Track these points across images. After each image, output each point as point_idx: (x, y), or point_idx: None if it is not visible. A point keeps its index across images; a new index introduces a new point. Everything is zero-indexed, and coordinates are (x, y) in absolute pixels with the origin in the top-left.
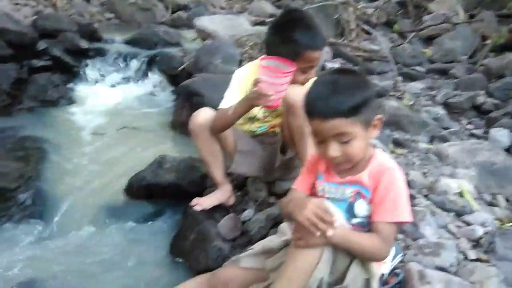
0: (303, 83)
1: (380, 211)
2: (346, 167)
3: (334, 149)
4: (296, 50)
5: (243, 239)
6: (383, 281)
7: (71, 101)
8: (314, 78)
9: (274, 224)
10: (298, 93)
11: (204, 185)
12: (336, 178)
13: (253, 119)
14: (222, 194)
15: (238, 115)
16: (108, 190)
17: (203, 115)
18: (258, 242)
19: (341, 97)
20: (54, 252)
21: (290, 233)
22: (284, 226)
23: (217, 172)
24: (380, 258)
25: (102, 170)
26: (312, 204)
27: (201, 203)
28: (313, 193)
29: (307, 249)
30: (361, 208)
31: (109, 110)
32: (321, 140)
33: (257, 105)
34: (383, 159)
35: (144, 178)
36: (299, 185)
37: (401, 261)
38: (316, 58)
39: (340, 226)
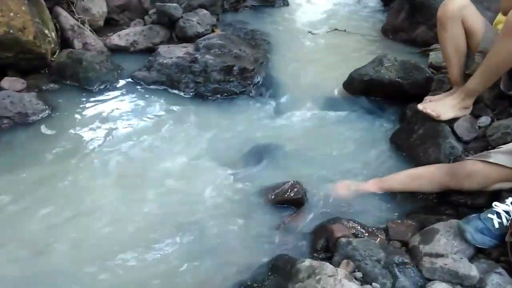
0: None
1: None
2: None
3: None
4: None
5: (479, 143)
6: None
7: (285, 3)
8: None
9: None
10: None
11: (428, 88)
12: None
13: None
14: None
15: None
16: (326, 82)
17: (456, 2)
18: None
19: None
20: (281, 125)
21: None
22: None
23: (455, 70)
24: None
25: (319, 64)
26: None
27: (433, 100)
28: None
29: None
30: None
31: (319, 13)
32: None
33: None
34: None
35: (366, 73)
36: None
37: None
38: None
39: None
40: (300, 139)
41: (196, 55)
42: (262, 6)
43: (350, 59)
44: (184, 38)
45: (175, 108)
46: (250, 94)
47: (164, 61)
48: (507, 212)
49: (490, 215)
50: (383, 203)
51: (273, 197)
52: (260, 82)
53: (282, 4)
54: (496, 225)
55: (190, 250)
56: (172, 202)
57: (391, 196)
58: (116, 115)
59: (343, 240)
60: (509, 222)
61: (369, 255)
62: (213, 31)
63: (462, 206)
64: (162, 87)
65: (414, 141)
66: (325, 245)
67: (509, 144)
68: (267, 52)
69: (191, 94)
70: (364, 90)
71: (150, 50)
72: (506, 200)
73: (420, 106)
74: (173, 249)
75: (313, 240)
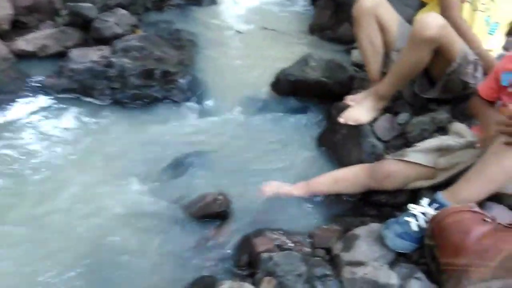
0: None
1: None
2: None
3: None
4: None
5: (399, 141)
6: None
7: (213, 1)
8: None
9: (438, 128)
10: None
11: (351, 86)
12: None
13: None
14: None
15: None
16: (254, 83)
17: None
18: (430, 140)
19: None
20: (206, 131)
21: (471, 134)
22: (461, 127)
23: (373, 67)
24: None
25: (247, 65)
26: None
27: (354, 100)
28: (509, 93)
29: None
30: None
31: (247, 12)
32: None
33: None
34: None
35: (292, 74)
36: (483, 89)
37: None
38: None
39: None
40: (227, 145)
41: (112, 59)
42: (189, 5)
43: (279, 59)
44: (101, 41)
45: (88, 117)
46: (174, 99)
47: (76, 67)
48: (423, 214)
49: (407, 218)
50: (310, 207)
51: (194, 211)
52: (185, 86)
53: (210, 3)
54: (415, 228)
55: (98, 276)
56: (77, 222)
57: (318, 200)
58: (19, 129)
59: (265, 255)
60: (427, 224)
61: (290, 270)
62: (133, 32)
63: (384, 206)
64: (74, 95)
65: (338, 141)
66: (249, 261)
67: (426, 141)
68: (193, 53)
69: (108, 101)
70: (291, 90)
71: (62, 55)
72: (421, 201)
73: (341, 120)
74: (75, 277)
75: (236, 256)
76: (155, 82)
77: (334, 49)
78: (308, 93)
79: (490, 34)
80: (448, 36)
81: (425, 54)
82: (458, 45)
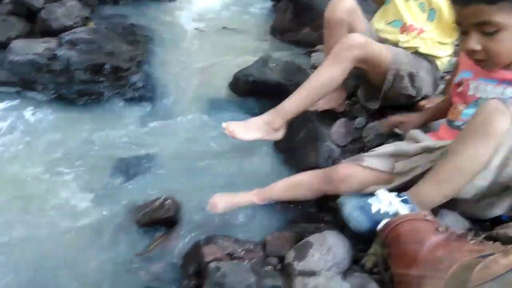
0: None
1: None
2: (491, 67)
3: (474, 41)
4: None
5: (355, 145)
6: None
7: None
8: None
9: (394, 133)
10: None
11: None
12: (495, 74)
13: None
14: (334, 99)
15: None
16: (212, 83)
17: (345, 5)
18: (385, 145)
19: None
20: (158, 132)
21: (428, 139)
22: (417, 132)
23: None
24: None
25: (205, 64)
26: None
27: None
28: (458, 94)
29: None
30: None
31: (208, 10)
32: (464, 31)
33: None
34: None
35: (251, 74)
36: (448, 88)
37: None
38: None
39: None
40: (180, 148)
41: (57, 52)
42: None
43: (238, 59)
44: (48, 33)
45: (28, 113)
46: (125, 97)
47: (16, 58)
48: (389, 204)
49: (372, 201)
50: (265, 214)
51: (141, 218)
52: (138, 83)
53: None
54: (374, 210)
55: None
56: (16, 231)
57: (273, 205)
58: None
59: (212, 265)
60: (381, 227)
61: (239, 281)
62: (85, 24)
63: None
64: (14, 89)
65: (296, 144)
66: (197, 270)
67: (382, 146)
68: (148, 49)
69: (52, 97)
70: (250, 91)
71: (4, 46)
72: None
73: (224, 125)
74: None
75: (184, 265)
76: (104, 78)
77: (294, 52)
78: (266, 94)
79: (430, 20)
80: (373, 52)
81: (343, 70)
82: (387, 60)
